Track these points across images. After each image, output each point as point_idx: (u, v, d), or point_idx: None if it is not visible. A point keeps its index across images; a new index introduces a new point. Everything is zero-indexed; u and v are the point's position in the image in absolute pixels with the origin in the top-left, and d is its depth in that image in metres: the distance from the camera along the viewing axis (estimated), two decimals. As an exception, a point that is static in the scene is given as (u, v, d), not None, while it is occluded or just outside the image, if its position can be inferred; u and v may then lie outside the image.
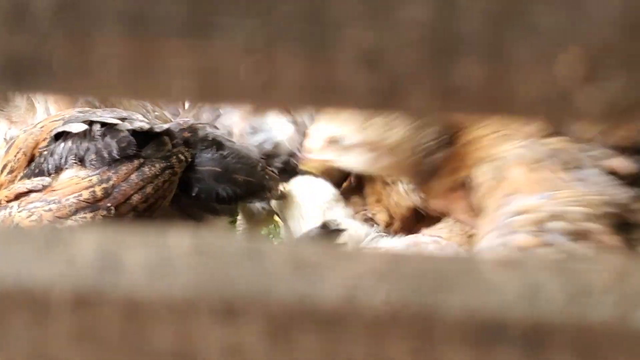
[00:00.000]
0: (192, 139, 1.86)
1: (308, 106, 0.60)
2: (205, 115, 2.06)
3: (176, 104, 2.03)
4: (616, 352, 0.65)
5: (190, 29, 0.59)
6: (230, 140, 1.93)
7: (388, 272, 0.67)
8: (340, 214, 1.87)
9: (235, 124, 2.05)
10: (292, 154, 2.00)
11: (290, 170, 1.98)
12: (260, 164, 1.91)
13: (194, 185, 1.86)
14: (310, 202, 1.90)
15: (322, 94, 0.59)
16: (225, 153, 1.87)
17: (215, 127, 1.96)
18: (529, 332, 0.65)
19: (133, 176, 1.78)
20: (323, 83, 0.59)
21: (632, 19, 0.55)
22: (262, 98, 0.59)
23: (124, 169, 1.78)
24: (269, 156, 1.98)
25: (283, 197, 1.93)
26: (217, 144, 1.87)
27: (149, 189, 1.78)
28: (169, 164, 1.82)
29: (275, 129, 2.02)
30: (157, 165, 1.80)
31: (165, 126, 1.88)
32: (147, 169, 1.79)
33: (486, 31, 0.57)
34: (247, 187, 1.87)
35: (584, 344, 0.65)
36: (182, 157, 1.84)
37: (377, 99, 0.59)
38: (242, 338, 0.67)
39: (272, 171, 1.93)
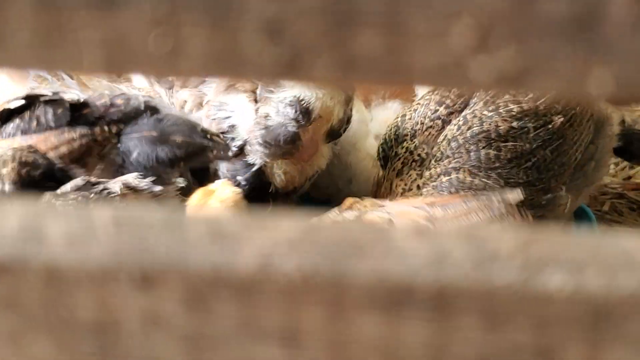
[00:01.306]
0: (125, 108, 1.94)
1: (213, 75, 0.62)
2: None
3: (97, 75, 2.08)
4: (519, 314, 0.67)
5: (97, 0, 0.60)
6: (166, 107, 1.98)
7: (302, 240, 0.69)
8: None
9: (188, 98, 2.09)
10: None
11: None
12: (200, 127, 1.95)
13: (133, 151, 1.93)
14: None
15: (226, 63, 0.61)
16: (160, 117, 1.95)
17: (150, 97, 2.01)
18: (436, 297, 0.67)
19: (52, 138, 1.92)
20: (227, 52, 0.60)
21: (520, -10, 0.57)
22: (168, 67, 0.61)
23: (47, 133, 1.92)
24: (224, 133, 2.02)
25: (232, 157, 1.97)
26: (151, 109, 1.93)
27: (63, 149, 1.91)
28: (89, 130, 1.93)
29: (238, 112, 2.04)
30: (77, 130, 1.92)
31: (92, 97, 1.96)
32: (66, 134, 1.93)
33: (383, 3, 0.58)
34: (186, 148, 1.92)
35: (489, 307, 0.67)
36: (106, 128, 1.94)
37: (279, 68, 0.61)
38: (161, 306, 0.69)
39: (215, 134, 1.96)
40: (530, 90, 0.59)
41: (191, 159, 1.94)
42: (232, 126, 2.03)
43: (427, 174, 2.08)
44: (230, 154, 1.99)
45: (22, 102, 1.96)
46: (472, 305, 0.68)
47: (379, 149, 2.21)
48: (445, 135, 2.09)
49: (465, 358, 0.69)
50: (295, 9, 0.59)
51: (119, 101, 1.96)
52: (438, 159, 2.07)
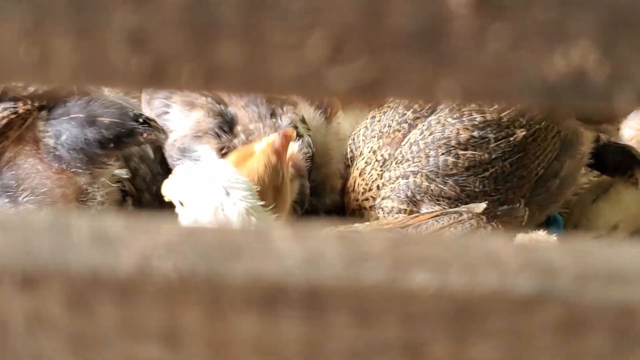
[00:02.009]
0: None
1: (82, 84, 0.64)
2: None
3: None
4: (387, 311, 0.69)
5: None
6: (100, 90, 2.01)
7: (181, 243, 0.71)
8: None
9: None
10: None
11: None
12: (133, 110, 1.97)
13: (63, 134, 1.95)
14: None
15: (93, 73, 0.63)
16: (90, 99, 1.97)
17: None
18: (309, 295, 0.70)
19: None
20: (94, 62, 0.63)
21: (371, 6, 0.59)
22: (38, 77, 0.63)
23: None
24: None
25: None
26: (84, 92, 1.96)
27: None
28: (14, 107, 1.96)
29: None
30: (1, 105, 1.96)
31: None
32: None
33: (241, 16, 0.61)
34: (114, 129, 1.92)
35: (359, 305, 0.70)
36: (29, 104, 1.97)
37: (145, 77, 0.63)
38: (44, 307, 0.71)
39: (150, 118, 1.98)
40: (383, 98, 0.61)
41: (120, 140, 1.95)
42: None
43: (386, 175, 2.11)
44: (164, 137, 2.01)
45: None
46: (344, 303, 0.70)
47: (347, 149, 2.24)
48: (409, 139, 2.12)
49: (339, 354, 0.72)
50: (157, 20, 0.61)
51: None
52: (399, 162, 2.10)
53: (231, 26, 0.61)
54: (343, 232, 0.73)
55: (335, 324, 0.71)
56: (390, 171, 2.10)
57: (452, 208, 1.98)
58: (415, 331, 0.70)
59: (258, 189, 1.76)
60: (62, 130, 1.94)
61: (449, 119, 2.08)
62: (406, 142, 2.11)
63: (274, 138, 1.82)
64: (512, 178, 2.08)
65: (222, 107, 2.05)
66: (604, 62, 0.58)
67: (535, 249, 0.70)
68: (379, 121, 2.17)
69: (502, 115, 2.08)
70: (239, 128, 2.04)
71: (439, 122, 2.09)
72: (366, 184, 2.13)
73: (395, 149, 2.12)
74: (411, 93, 0.61)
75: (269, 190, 1.82)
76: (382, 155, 2.13)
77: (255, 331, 0.72)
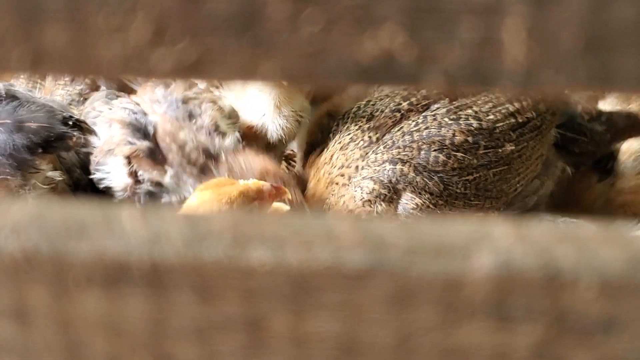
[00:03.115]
0: None
1: None
2: None
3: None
4: (227, 288, 0.71)
5: None
6: (29, 94, 1.97)
7: (27, 224, 0.72)
8: None
9: None
10: None
11: None
12: (62, 112, 1.95)
13: None
14: None
15: None
16: (18, 104, 1.95)
17: (11, 84, 2.00)
18: (150, 273, 0.71)
19: None
20: None
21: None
22: None
23: None
24: None
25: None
26: (12, 97, 1.92)
27: None
28: None
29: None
30: None
31: None
32: None
33: (64, 0, 0.61)
34: (43, 134, 1.92)
35: (200, 282, 0.71)
36: None
37: (-26, 63, 0.63)
38: None
39: (80, 120, 1.97)
40: (207, 78, 0.63)
41: (49, 145, 1.94)
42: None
43: (372, 157, 2.10)
44: (96, 139, 2.01)
45: None
46: (185, 280, 0.72)
47: (328, 120, 2.24)
48: (402, 128, 2.12)
49: (183, 330, 0.73)
50: (-18, 7, 0.62)
51: None
52: (388, 147, 2.10)
53: (55, 11, 0.62)
54: (187, 212, 0.75)
55: (177, 301, 0.72)
56: (377, 154, 2.10)
57: (432, 204, 2.01)
58: (255, 306, 0.72)
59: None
60: None
61: (446, 119, 2.10)
62: (398, 130, 2.11)
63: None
64: (492, 188, 2.11)
65: (138, 117, 2.04)
66: (411, 44, 0.60)
67: (369, 226, 0.72)
68: (372, 105, 2.18)
69: (497, 125, 2.12)
70: (159, 132, 2.03)
71: (435, 119, 2.11)
72: (346, 159, 2.13)
73: (383, 134, 2.13)
74: (233, 74, 0.63)
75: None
76: (369, 136, 2.13)
77: (100, 308, 0.73)
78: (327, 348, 0.72)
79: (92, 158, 2.05)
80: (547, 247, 0.67)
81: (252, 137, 2.15)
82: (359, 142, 2.14)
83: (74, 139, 1.93)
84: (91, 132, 1.98)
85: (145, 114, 2.05)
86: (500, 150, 2.11)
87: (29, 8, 0.62)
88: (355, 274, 0.70)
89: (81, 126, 1.96)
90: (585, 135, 2.29)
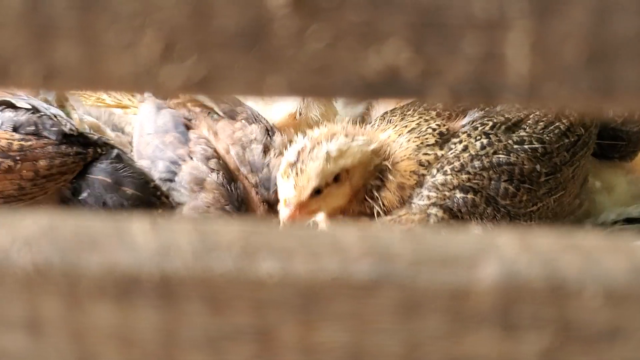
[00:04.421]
0: (99, 141, 2.02)
1: None
2: None
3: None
4: (237, 299, 0.72)
5: None
6: (128, 155, 2.03)
7: (39, 236, 0.73)
8: None
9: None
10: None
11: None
12: (153, 183, 2.01)
13: (84, 190, 1.99)
14: None
15: None
16: (119, 166, 2.00)
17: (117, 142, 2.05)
18: (161, 285, 0.72)
19: (50, 147, 1.96)
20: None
21: (198, 8, 0.61)
22: None
23: (46, 140, 1.96)
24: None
25: None
26: (116, 157, 2.00)
27: (56, 161, 1.96)
28: (84, 151, 1.98)
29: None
30: (74, 147, 1.98)
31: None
32: (64, 147, 1.97)
33: (74, 17, 0.62)
34: (135, 201, 1.98)
35: (210, 293, 0.72)
36: (99, 150, 2.00)
37: (-13, 80, 0.64)
38: None
39: (165, 193, 2.00)
40: (215, 94, 0.63)
41: (135, 209, 1.98)
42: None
43: (440, 178, 1.91)
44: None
45: (29, 106, 1.99)
46: (195, 291, 0.72)
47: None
48: (467, 148, 1.95)
49: (194, 341, 0.74)
50: (-6, 24, 0.63)
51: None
52: (457, 170, 1.92)
53: (67, 27, 0.63)
54: (195, 223, 0.75)
55: (188, 312, 0.73)
56: (447, 175, 1.91)
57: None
58: (264, 317, 0.73)
59: None
60: (84, 187, 1.97)
61: (510, 141, 1.95)
62: (464, 151, 1.94)
63: None
64: (551, 215, 2.00)
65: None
66: (416, 59, 0.60)
67: (376, 237, 0.72)
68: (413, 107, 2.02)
69: (554, 148, 1.98)
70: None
71: (500, 140, 1.95)
72: (421, 142, 1.92)
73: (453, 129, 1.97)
74: (241, 89, 0.63)
75: None
76: (438, 126, 1.95)
77: (112, 320, 0.73)
78: (335, 358, 0.73)
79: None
80: (552, 257, 0.67)
81: (295, 125, 2.11)
82: (427, 130, 1.94)
83: (160, 210, 1.97)
84: (173, 207, 2.01)
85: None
86: (558, 176, 1.98)
87: (41, 25, 0.63)
88: (362, 284, 0.70)
89: (164, 200, 1.99)
90: (622, 139, 2.18)
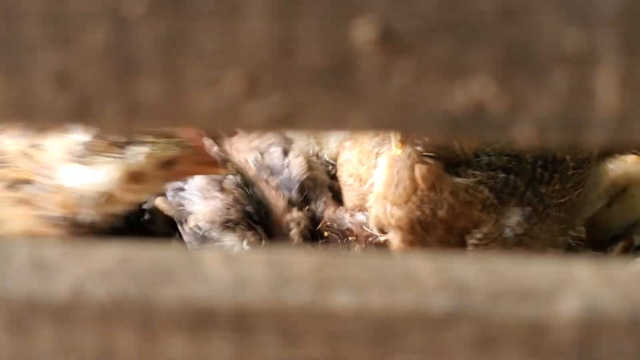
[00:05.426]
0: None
1: (10, 121, 0.65)
2: None
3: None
4: (311, 331, 0.71)
5: None
6: None
7: (114, 269, 0.72)
8: None
9: None
10: None
11: None
12: None
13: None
14: None
15: (21, 111, 0.64)
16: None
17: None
18: (236, 317, 0.71)
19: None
20: (22, 101, 0.64)
21: (282, 44, 0.60)
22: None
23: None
24: None
25: None
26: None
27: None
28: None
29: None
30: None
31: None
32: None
33: (158, 54, 0.62)
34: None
35: (284, 326, 0.71)
36: None
37: (70, 115, 0.64)
38: (-16, 332, 0.72)
39: None
40: (297, 130, 0.63)
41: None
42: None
43: (485, 159, 1.90)
44: None
45: None
46: (270, 324, 0.71)
47: None
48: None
49: (267, 372, 0.73)
50: (79, 59, 0.62)
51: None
52: (498, 151, 1.91)
53: (151, 64, 0.62)
54: (268, 254, 0.74)
55: (262, 344, 0.72)
56: (490, 155, 1.90)
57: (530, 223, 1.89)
58: (338, 350, 0.72)
59: None
60: None
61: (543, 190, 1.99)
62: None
63: None
64: (571, 211, 2.01)
65: (250, 190, 1.98)
66: (502, 95, 0.59)
67: (451, 269, 0.71)
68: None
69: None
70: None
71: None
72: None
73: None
74: (323, 125, 0.63)
75: None
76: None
77: (186, 352, 0.73)
78: (409, 390, 0.72)
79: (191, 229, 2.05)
80: (632, 289, 0.66)
81: None
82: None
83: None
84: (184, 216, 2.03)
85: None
86: (581, 171, 2.00)
87: (125, 61, 0.62)
88: (438, 318, 0.69)
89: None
90: None
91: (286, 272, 0.73)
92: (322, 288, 0.71)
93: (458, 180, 1.87)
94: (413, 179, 1.81)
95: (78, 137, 1.65)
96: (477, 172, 1.90)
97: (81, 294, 0.71)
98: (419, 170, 1.81)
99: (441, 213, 1.85)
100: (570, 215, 2.02)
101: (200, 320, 0.72)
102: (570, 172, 1.97)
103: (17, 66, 0.63)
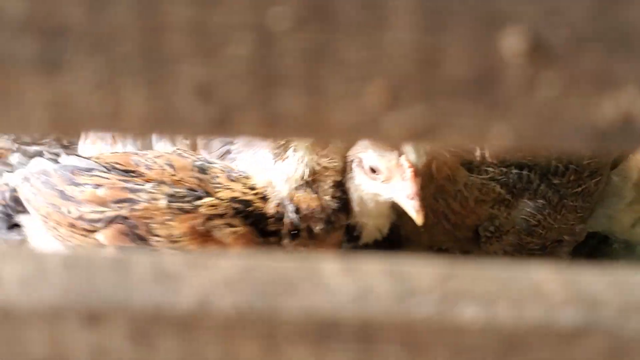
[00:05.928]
0: None
1: (152, 132, 0.65)
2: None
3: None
4: (436, 344, 0.70)
5: (43, 65, 0.63)
6: None
7: (238, 279, 0.72)
8: None
9: None
10: None
11: None
12: None
13: None
14: None
15: (162, 122, 0.64)
16: None
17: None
18: (360, 329, 0.70)
19: None
20: (163, 112, 0.64)
21: (427, 55, 0.60)
22: (110, 127, 0.64)
23: None
24: None
25: None
26: None
27: None
28: None
29: None
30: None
31: None
32: None
33: (301, 67, 0.62)
34: None
35: (409, 338, 0.70)
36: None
37: (211, 126, 0.64)
38: (108, 342, 0.72)
39: None
40: (439, 142, 0.62)
41: None
42: None
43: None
44: None
45: None
46: (394, 336, 0.71)
47: None
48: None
49: (390, 385, 0.72)
50: (223, 73, 0.62)
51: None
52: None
53: (293, 77, 0.62)
54: (391, 264, 0.74)
55: (385, 356, 0.71)
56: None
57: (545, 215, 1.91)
58: (463, 363, 0.71)
59: None
60: None
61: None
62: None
63: None
64: (590, 200, 2.02)
65: None
66: (651, 107, 0.59)
67: (578, 281, 0.71)
68: None
69: None
70: None
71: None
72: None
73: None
74: (465, 137, 0.62)
75: None
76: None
77: (309, 364, 0.72)
78: (533, 405, 0.71)
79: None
80: None
81: None
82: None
83: None
84: None
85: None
86: (597, 160, 2.01)
87: (267, 74, 0.62)
88: (567, 332, 0.69)
89: None
90: None
91: (409, 284, 0.72)
92: (447, 300, 0.71)
93: (471, 178, 1.90)
94: (429, 170, 1.83)
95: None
96: (490, 169, 1.93)
97: (207, 305, 0.71)
98: (435, 162, 1.83)
99: (455, 204, 1.88)
100: (588, 203, 2.03)
101: (324, 331, 0.71)
102: (586, 161, 1.99)
103: (160, 77, 0.63)
